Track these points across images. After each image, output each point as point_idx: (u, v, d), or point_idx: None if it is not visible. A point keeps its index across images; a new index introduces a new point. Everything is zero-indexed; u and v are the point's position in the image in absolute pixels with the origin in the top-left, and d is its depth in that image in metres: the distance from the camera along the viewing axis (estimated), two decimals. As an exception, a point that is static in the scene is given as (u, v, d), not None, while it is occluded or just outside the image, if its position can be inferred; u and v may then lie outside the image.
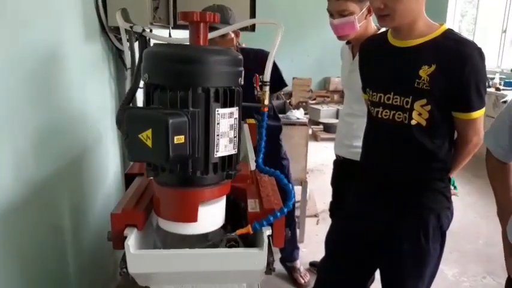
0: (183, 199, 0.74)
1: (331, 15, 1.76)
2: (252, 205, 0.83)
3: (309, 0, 6.75)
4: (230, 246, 0.87)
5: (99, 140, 1.65)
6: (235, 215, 0.92)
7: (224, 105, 0.72)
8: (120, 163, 1.92)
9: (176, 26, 1.90)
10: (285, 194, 0.81)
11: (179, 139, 0.65)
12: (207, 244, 0.88)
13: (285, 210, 0.78)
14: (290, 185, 0.81)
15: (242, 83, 0.76)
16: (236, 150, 0.76)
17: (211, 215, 0.78)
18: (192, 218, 0.74)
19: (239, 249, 0.86)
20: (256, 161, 0.89)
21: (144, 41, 0.85)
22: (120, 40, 1.68)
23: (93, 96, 1.59)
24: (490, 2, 6.01)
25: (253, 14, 2.08)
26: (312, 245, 2.81)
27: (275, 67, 2.20)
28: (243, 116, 0.84)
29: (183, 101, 0.68)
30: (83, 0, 1.45)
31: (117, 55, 1.77)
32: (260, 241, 0.79)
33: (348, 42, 1.93)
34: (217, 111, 0.71)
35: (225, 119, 0.72)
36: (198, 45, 0.76)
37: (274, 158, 2.24)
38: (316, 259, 2.51)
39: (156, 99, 0.70)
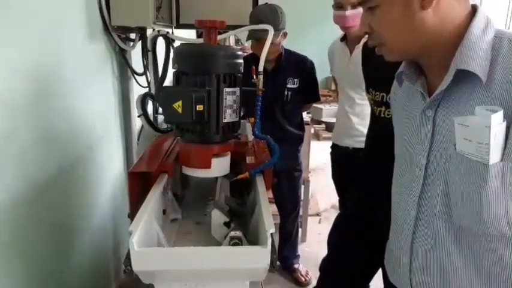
0: (200, 152, 1.14)
1: (341, 7, 1.93)
2: (249, 159, 1.24)
3: (309, 0, 7.22)
4: (234, 244, 0.98)
5: (102, 139, 1.78)
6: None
7: (229, 86, 1.11)
8: (124, 162, 2.06)
9: (179, 25, 2.09)
10: (273, 152, 1.21)
11: (199, 107, 1.06)
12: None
13: (272, 162, 1.19)
14: (276, 145, 1.20)
15: (242, 71, 1.16)
16: (238, 118, 1.16)
17: (220, 165, 1.17)
18: (207, 165, 1.14)
19: (243, 247, 0.97)
20: (252, 131, 1.28)
21: (168, 41, 1.29)
22: (123, 39, 1.92)
23: (97, 95, 1.72)
24: (493, 1, 6.44)
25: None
26: (314, 244, 3.04)
27: (315, 80, 2.57)
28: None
29: (201, 83, 1.08)
30: (87, -1, 1.54)
31: (121, 54, 1.93)
32: (263, 239, 0.88)
33: (342, 40, 2.20)
34: (225, 90, 1.10)
35: (230, 96, 1.12)
36: (210, 44, 1.16)
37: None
38: (318, 258, 2.77)
39: (183, 81, 1.10)
